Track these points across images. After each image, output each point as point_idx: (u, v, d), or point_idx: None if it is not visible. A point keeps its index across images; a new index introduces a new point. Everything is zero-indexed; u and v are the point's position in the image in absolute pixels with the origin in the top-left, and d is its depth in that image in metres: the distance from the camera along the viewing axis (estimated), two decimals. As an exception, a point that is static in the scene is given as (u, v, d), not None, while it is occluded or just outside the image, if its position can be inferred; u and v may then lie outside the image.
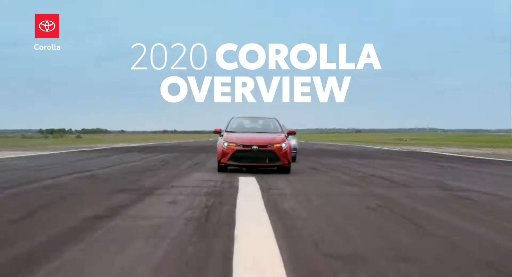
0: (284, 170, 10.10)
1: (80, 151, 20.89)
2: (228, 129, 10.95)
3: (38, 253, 3.17)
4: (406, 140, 52.48)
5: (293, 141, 13.17)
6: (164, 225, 4.13)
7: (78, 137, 71.65)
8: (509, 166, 13.32)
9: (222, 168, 10.22)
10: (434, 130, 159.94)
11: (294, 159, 13.16)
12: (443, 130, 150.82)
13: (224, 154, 10.04)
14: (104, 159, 14.69)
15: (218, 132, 10.85)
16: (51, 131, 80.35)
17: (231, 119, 11.48)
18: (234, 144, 10.05)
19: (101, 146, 28.24)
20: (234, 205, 5.29)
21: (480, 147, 29.01)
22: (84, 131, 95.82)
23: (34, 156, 16.28)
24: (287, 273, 2.75)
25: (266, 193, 6.51)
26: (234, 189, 6.84)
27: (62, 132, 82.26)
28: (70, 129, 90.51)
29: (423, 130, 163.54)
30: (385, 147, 31.07)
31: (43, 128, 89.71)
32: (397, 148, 28.84)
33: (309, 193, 6.71)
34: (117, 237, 3.65)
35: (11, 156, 15.82)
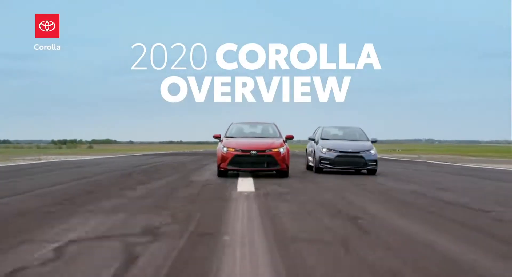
0: (283, 174, 10.45)
1: (126, 156, 28.60)
2: (227, 135, 11.24)
3: (188, 174, 12.60)
4: (398, 150, 56.58)
5: (372, 151, 12.26)
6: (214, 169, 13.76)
7: (90, 147, 69.55)
8: (413, 163, 22.63)
9: (221, 173, 10.33)
10: (430, 141, 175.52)
11: (374, 171, 12.14)
12: (439, 141, 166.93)
13: (223, 159, 10.22)
14: (155, 159, 23.42)
15: (217, 138, 11.10)
16: (63, 142, 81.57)
17: (230, 124, 11.82)
18: (233, 149, 10.25)
19: (136, 153, 35.19)
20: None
21: (426, 154, 38.75)
22: (94, 142, 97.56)
23: (104, 157, 25.14)
24: (254, 182, 12.24)
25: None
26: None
27: (74, 142, 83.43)
28: (81, 139, 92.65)
29: (419, 140, 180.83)
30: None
31: (54, 138, 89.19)
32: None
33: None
34: (206, 170, 13.64)
35: (93, 157, 24.78)
